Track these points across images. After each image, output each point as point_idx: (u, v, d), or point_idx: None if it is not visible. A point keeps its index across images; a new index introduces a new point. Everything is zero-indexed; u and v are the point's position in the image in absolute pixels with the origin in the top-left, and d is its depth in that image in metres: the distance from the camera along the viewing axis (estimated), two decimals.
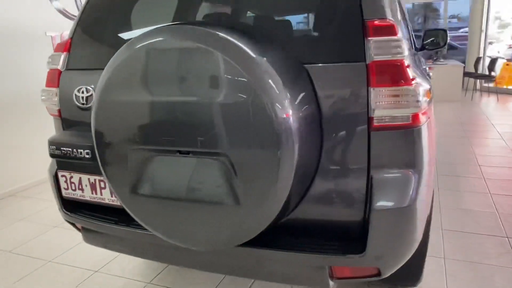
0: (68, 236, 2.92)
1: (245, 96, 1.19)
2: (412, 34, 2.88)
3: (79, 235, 2.00)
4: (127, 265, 2.52)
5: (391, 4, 1.43)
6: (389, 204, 1.35)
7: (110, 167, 1.44)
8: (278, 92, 1.20)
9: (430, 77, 2.28)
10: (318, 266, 1.42)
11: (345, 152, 1.40)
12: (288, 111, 1.21)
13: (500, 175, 3.87)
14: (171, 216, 1.41)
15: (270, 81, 1.19)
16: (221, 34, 1.23)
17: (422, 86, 1.37)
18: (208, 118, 1.24)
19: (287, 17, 1.54)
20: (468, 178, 3.83)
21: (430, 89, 1.56)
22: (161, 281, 2.34)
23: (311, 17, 1.50)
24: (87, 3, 1.81)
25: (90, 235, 1.84)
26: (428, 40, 3.66)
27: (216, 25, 1.33)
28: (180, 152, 1.33)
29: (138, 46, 1.28)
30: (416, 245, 1.48)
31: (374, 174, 1.37)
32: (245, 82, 1.18)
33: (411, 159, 1.38)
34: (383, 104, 1.31)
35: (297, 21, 1.50)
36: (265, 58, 1.23)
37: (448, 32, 3.69)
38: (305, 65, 1.37)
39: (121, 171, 1.42)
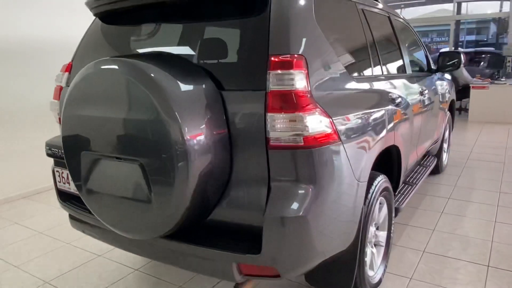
0: None
1: (153, 117, 1.50)
2: (405, 56, 2.97)
3: None
4: (126, 253, 2.93)
5: (301, 41, 1.64)
6: (281, 212, 1.55)
7: (70, 166, 1.84)
8: (182, 115, 1.48)
9: (397, 104, 2.39)
10: (226, 261, 1.66)
11: (251, 167, 1.63)
12: (189, 130, 1.49)
13: None
14: (109, 208, 1.76)
15: (177, 107, 1.49)
16: (141, 66, 1.55)
17: (317, 113, 1.56)
18: (127, 132, 1.58)
19: (209, 48, 1.81)
20: (480, 204, 3.71)
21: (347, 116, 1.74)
22: (148, 270, 2.71)
23: (229, 49, 1.75)
24: (84, 36, 2.26)
25: (73, 221, 2.26)
26: (443, 62, 3.66)
27: (143, 57, 1.66)
28: (115, 157, 1.67)
29: (82, 74, 1.67)
30: (316, 255, 1.66)
31: (272, 186, 1.59)
32: (152, 105, 1.49)
33: (306, 176, 1.58)
34: (277, 127, 1.53)
35: (217, 52, 1.76)
36: (178, 87, 1.53)
37: (460, 54, 3.65)
38: (221, 91, 1.64)
39: (77, 171, 1.80)
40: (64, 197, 2.29)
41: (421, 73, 3.61)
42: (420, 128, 3.11)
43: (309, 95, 1.57)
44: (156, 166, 1.54)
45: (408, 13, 14.98)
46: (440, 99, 3.81)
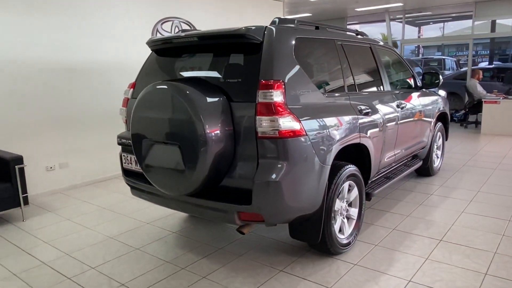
0: (143, 202, 4.49)
1: (187, 118, 2.49)
2: (383, 75, 3.84)
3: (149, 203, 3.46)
4: (167, 222, 3.95)
5: (281, 71, 2.59)
6: (264, 178, 2.49)
7: (136, 150, 2.88)
8: (205, 118, 2.47)
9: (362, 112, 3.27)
10: (230, 210, 2.62)
11: (247, 151, 2.58)
12: (209, 127, 2.47)
13: None
14: (160, 176, 2.78)
15: (202, 112, 2.48)
16: (180, 86, 2.57)
17: (289, 116, 2.50)
18: (171, 127, 2.60)
19: (223, 74, 2.80)
20: (456, 199, 4.44)
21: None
22: (182, 232, 3.72)
23: (236, 75, 2.72)
24: (144, 64, 3.34)
25: (133, 190, 3.30)
26: (426, 81, 4.48)
27: (182, 80, 2.69)
28: (163, 142, 2.69)
29: (145, 91, 2.72)
30: (289, 209, 2.59)
31: (259, 162, 2.54)
32: (187, 110, 2.49)
33: (282, 156, 2.51)
34: (262, 125, 2.48)
35: (229, 76, 2.76)
36: (203, 100, 2.53)
37: (439, 74, 4.45)
38: (230, 102, 2.62)
39: (140, 152, 2.85)
40: (127, 173, 3.35)
41: (403, 90, 4.43)
42: (396, 133, 3.94)
43: (284, 105, 2.52)
44: (188, 149, 2.54)
45: (454, 26, 15.85)
46: (424, 111, 4.60)
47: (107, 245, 3.51)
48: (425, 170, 5.19)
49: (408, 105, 4.21)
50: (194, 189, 2.62)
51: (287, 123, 2.50)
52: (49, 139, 5.06)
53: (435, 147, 5.28)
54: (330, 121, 2.85)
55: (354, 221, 3.35)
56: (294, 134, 2.54)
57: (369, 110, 3.38)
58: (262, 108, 2.49)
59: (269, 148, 2.52)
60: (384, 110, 3.69)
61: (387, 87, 3.96)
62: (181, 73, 3.07)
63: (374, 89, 3.80)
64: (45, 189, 5.05)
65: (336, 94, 3.13)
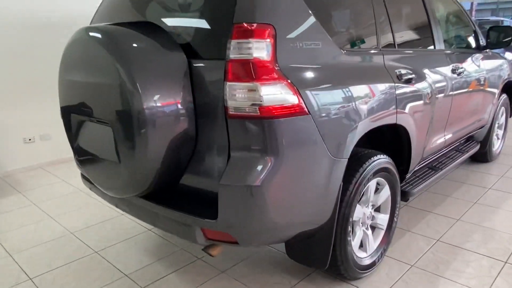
0: None
1: (117, 84, 1.59)
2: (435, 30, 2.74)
3: None
4: None
5: (271, 10, 1.61)
6: (235, 181, 1.58)
7: (66, 127, 2.04)
8: (145, 83, 1.56)
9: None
10: (191, 224, 1.74)
11: (214, 136, 1.67)
12: (152, 98, 1.56)
13: None
14: (92, 167, 1.93)
15: (140, 75, 1.56)
16: (110, 33, 1.65)
17: (278, 84, 1.54)
18: (99, 97, 1.70)
19: (184, 18, 1.82)
20: None
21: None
22: (159, 231, 2.91)
23: (202, 19, 1.75)
24: (100, 4, 2.41)
25: (83, 179, 2.48)
26: (493, 39, 3.33)
27: (121, 25, 1.75)
28: (92, 119, 1.82)
29: (70, 40, 1.83)
30: (275, 227, 1.67)
31: (232, 155, 1.62)
32: (118, 72, 1.58)
33: (266, 147, 1.57)
34: (235, 97, 1.54)
35: (191, 21, 1.78)
36: (143, 56, 1.60)
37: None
38: (191, 61, 1.68)
39: (70, 131, 2.00)
40: None
41: (460, 49, 3.29)
42: (450, 109, 2.87)
43: (271, 65, 1.55)
44: (121, 130, 1.65)
45: None
46: (487, 79, 3.45)
47: (62, 244, 2.77)
48: (481, 155, 4.08)
49: (467, 71, 3.09)
50: (134, 188, 1.76)
51: (276, 94, 1.55)
52: (28, 106, 4.34)
53: (496, 125, 4.11)
54: (350, 91, 1.87)
55: (383, 233, 2.40)
56: (289, 112, 1.59)
57: (413, 76, 2.34)
58: (235, 68, 1.55)
59: (246, 133, 1.59)
60: (435, 76, 2.62)
61: (440, 44, 2.86)
62: (132, 17, 2.13)
63: (421, 46, 2.71)
64: (23, 164, 4.40)
65: (364, 51, 2.11)
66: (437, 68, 2.70)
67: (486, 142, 3.94)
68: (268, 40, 1.56)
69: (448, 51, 2.98)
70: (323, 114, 1.72)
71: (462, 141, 3.65)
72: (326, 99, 1.75)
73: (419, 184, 2.72)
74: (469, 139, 3.78)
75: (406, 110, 2.28)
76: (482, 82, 3.36)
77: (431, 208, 3.17)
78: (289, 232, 1.78)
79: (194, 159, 1.76)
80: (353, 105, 1.86)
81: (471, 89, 3.18)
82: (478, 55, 3.43)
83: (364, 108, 1.92)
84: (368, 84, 1.98)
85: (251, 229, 1.65)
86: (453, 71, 2.87)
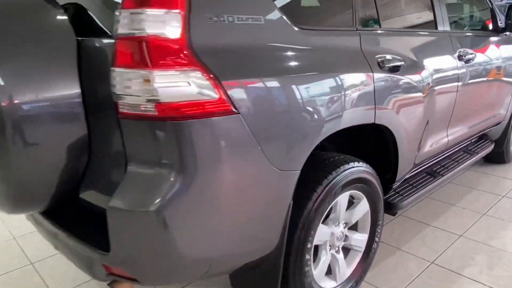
0: None
1: None
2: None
3: None
4: None
5: None
6: (126, 204, 1.17)
7: None
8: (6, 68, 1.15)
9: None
10: (89, 256, 1.34)
11: (112, 140, 1.26)
12: (16, 89, 1.16)
13: None
14: None
15: None
16: None
17: (186, 72, 1.11)
18: None
19: None
20: None
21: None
22: None
23: None
24: None
25: None
26: (509, 22, 2.80)
27: None
28: None
29: None
30: (185, 262, 1.25)
31: (128, 169, 1.20)
32: None
33: (171, 158, 1.15)
34: (126, 89, 1.12)
35: None
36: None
37: None
38: (80, 39, 1.26)
39: None
40: None
41: (472, 32, 2.76)
42: (454, 104, 2.37)
43: (176, 46, 1.12)
44: None
45: None
46: (505, 68, 2.91)
47: (2, 251, 2.45)
48: (497, 156, 3.54)
49: (479, 57, 2.56)
50: (17, 204, 1.36)
51: (181, 86, 1.12)
52: None
53: None
54: (302, 83, 1.41)
55: (359, 256, 1.96)
56: (203, 111, 1.16)
57: (401, 63, 1.86)
58: (124, 50, 1.12)
59: (144, 139, 1.18)
60: (433, 63, 2.13)
61: (444, 25, 2.34)
62: None
63: (417, 26, 2.22)
64: None
65: (331, 31, 1.64)
66: (437, 54, 2.21)
67: (502, 141, 3.39)
68: (174, 10, 1.12)
69: (455, 34, 2.46)
70: (260, 113, 1.28)
71: (472, 140, 3.12)
72: (267, 93, 1.31)
73: (411, 195, 2.25)
74: (482, 137, 3.24)
75: (390, 107, 1.80)
76: (498, 72, 2.82)
77: (431, 219, 2.69)
78: (215, 268, 1.37)
79: (90, 169, 1.36)
80: (307, 100, 1.41)
81: (483, 80, 2.66)
82: (495, 39, 2.88)
83: (322, 104, 1.47)
84: (330, 73, 1.52)
85: (152, 266, 1.24)
86: (460, 57, 2.36)
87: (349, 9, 1.71)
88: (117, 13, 1.12)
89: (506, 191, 3.11)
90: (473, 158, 2.90)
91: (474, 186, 3.22)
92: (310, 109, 1.42)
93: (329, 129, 1.51)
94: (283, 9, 1.42)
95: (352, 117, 1.61)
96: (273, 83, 1.32)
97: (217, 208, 1.25)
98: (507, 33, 2.98)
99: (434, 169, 2.60)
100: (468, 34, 2.67)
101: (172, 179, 1.15)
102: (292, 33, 1.44)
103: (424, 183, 2.41)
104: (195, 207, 1.20)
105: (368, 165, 1.82)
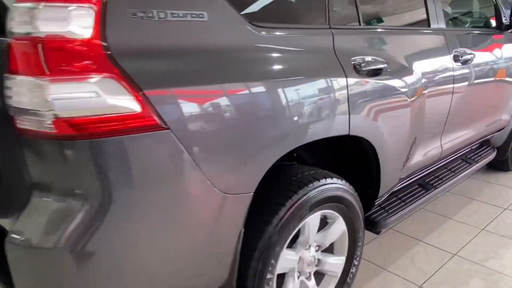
0: None
1: None
2: None
3: None
4: None
5: None
6: (30, 240, 0.97)
7: None
8: None
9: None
10: None
11: (16, 160, 1.05)
12: None
13: None
14: None
15: None
16: None
17: (92, 80, 0.91)
18: None
19: None
20: None
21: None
22: None
23: None
24: None
25: None
26: None
27: None
28: None
29: None
30: None
31: (33, 195, 1.00)
32: None
33: (77, 183, 0.96)
34: (20, 100, 0.92)
35: None
36: None
37: None
38: None
39: None
40: None
41: (472, 29, 2.51)
42: (448, 110, 2.14)
43: (85, 48, 0.91)
44: None
45: None
46: (508, 69, 2.65)
47: None
48: (501, 163, 3.28)
49: (479, 58, 2.32)
50: None
51: (86, 98, 0.91)
52: None
53: None
54: (256, 89, 1.21)
55: (335, 281, 1.74)
56: (121, 127, 0.95)
57: (383, 65, 1.63)
58: (18, 52, 0.92)
59: (48, 162, 0.98)
60: (424, 65, 1.90)
61: (438, 21, 2.10)
62: None
63: (405, 23, 1.99)
64: None
65: (297, 29, 1.42)
66: (429, 55, 1.97)
67: (506, 147, 3.14)
68: (84, 5, 0.91)
69: (451, 32, 2.22)
70: (198, 128, 1.08)
71: (473, 147, 2.87)
72: (207, 103, 1.10)
73: (398, 211, 2.03)
74: (483, 144, 2.99)
75: (369, 116, 1.58)
76: (501, 74, 2.57)
77: (423, 234, 2.47)
78: None
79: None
80: (259, 112, 1.20)
81: (484, 83, 2.41)
82: (498, 37, 2.62)
83: (279, 116, 1.25)
84: (291, 78, 1.30)
85: None
86: (456, 58, 2.12)
87: (321, 2, 1.49)
88: (12, 8, 0.92)
89: (509, 203, 2.86)
90: (472, 168, 2.66)
91: (474, 196, 2.98)
92: (263, 122, 1.21)
93: (288, 144, 1.29)
94: (235, 2, 1.20)
95: (319, 129, 1.39)
96: (214, 92, 1.11)
97: (142, 243, 1.05)
98: (510, 30, 2.71)
99: (427, 181, 2.37)
100: (467, 32, 2.42)
101: (82, 210, 0.95)
102: (245, 32, 1.23)
103: (414, 196, 2.18)
104: (113, 242, 1.00)
105: (344, 181, 1.61)
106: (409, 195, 2.18)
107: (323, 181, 1.50)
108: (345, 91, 1.46)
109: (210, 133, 1.10)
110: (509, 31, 2.72)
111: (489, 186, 3.14)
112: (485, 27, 2.75)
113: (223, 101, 1.12)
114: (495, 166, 3.37)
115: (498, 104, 2.67)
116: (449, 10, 2.62)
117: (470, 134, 2.48)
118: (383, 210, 2.01)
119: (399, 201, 2.12)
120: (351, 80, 1.49)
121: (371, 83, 1.58)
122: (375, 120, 1.62)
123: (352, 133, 1.52)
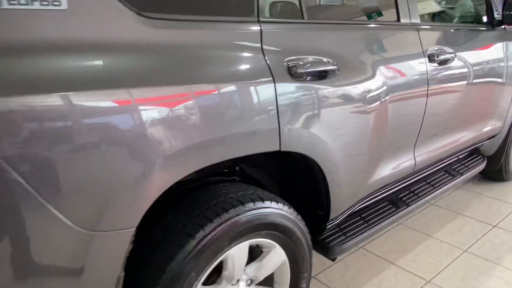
0: None
1: None
2: None
3: None
4: None
5: None
6: None
7: None
8: None
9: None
10: None
11: None
12: None
13: None
14: None
15: None
16: None
17: None
18: None
19: None
20: None
21: None
22: None
23: None
24: None
25: None
26: (507, 13, 2.25)
27: None
28: None
29: None
30: None
31: None
32: None
33: None
34: None
35: None
36: None
37: None
38: None
39: None
40: None
41: (455, 25, 2.22)
42: (423, 117, 1.87)
43: None
44: None
45: None
46: (501, 71, 2.35)
47: None
48: (495, 173, 2.98)
49: (462, 57, 2.03)
50: None
51: None
52: None
53: None
54: (132, 99, 0.95)
55: None
56: None
57: (331, 67, 1.37)
58: None
59: None
60: (388, 66, 1.63)
61: (409, 16, 1.81)
62: None
63: (366, 16, 1.71)
64: None
65: (209, 22, 1.16)
66: (396, 53, 1.70)
67: (499, 156, 2.83)
68: None
69: (427, 27, 1.94)
70: (44, 151, 0.83)
71: (460, 156, 2.58)
72: (59, 119, 0.85)
73: (358, 234, 1.76)
74: (473, 153, 2.70)
75: (308, 128, 1.32)
76: (491, 75, 2.27)
77: (396, 256, 2.20)
78: None
79: None
80: (141, 126, 0.95)
81: (468, 86, 2.12)
82: (488, 34, 2.33)
83: (173, 130, 1.00)
84: (193, 84, 1.05)
85: None
86: (432, 57, 1.84)
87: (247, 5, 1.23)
88: None
89: (499, 219, 2.56)
90: (456, 180, 2.37)
91: (462, 210, 2.69)
92: (146, 139, 0.96)
93: (183, 168, 1.04)
94: None
95: (233, 147, 1.14)
96: (72, 103, 0.86)
97: None
98: (504, 27, 2.41)
99: (400, 196, 2.10)
100: (450, 28, 2.13)
101: None
102: (127, 25, 0.97)
103: (381, 216, 1.91)
104: None
105: (281, 204, 1.35)
106: (375, 214, 1.91)
107: (249, 205, 1.25)
108: (272, 99, 1.20)
109: (64, 157, 0.85)
110: (502, 27, 2.41)
111: (479, 199, 2.85)
112: (477, 22, 2.45)
113: (80, 115, 0.87)
114: (489, 176, 3.07)
115: (486, 109, 2.37)
116: (434, 3, 2.33)
117: (452, 143, 2.19)
118: (341, 233, 1.75)
119: (362, 221, 1.85)
120: (282, 86, 1.22)
121: (312, 88, 1.31)
122: (318, 133, 1.36)
123: (284, 149, 1.27)
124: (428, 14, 2.23)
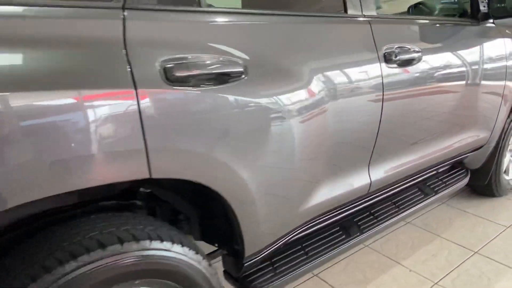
0: None
1: None
2: None
3: None
4: None
5: None
6: None
7: None
8: None
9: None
10: None
11: None
12: None
13: None
14: None
15: None
16: None
17: None
18: None
19: None
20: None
21: None
22: None
23: None
24: None
25: None
26: (496, 5, 1.91)
27: None
28: None
29: None
30: None
31: None
32: None
33: None
34: None
35: None
36: None
37: None
38: None
39: None
40: None
41: (427, 18, 1.89)
42: (376, 131, 1.55)
43: None
44: None
45: None
46: (485, 73, 2.00)
47: None
48: (483, 188, 2.64)
49: (432, 57, 1.70)
50: None
51: None
52: None
53: (508, 146, 2.61)
54: None
55: None
56: None
57: (237, 69, 1.07)
58: None
59: None
60: (325, 68, 1.31)
61: (360, 7, 1.49)
62: None
63: (296, 6, 1.40)
64: None
65: (44, 7, 0.86)
66: (336, 52, 1.38)
67: (487, 170, 2.48)
68: None
69: (385, 21, 1.61)
70: None
71: (439, 170, 2.25)
72: None
73: (294, 270, 1.46)
74: (455, 166, 2.36)
75: (196, 147, 1.02)
76: (471, 79, 1.93)
77: (354, 287, 1.89)
78: None
79: None
80: None
81: (441, 91, 1.79)
82: (470, 30, 1.98)
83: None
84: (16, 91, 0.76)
85: None
86: (388, 58, 1.51)
87: None
88: None
89: (483, 244, 2.23)
90: (430, 199, 2.04)
91: (440, 231, 2.36)
92: None
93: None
94: None
95: (67, 178, 0.84)
96: None
97: None
98: (491, 21, 2.05)
99: (356, 219, 1.78)
100: (419, 22, 1.79)
101: None
102: None
103: (326, 245, 1.60)
104: None
105: (171, 244, 1.06)
106: (319, 243, 1.60)
107: (113, 247, 0.96)
108: (133, 111, 0.90)
109: None
110: (490, 21, 2.06)
111: (463, 217, 2.51)
112: (460, 16, 2.11)
113: None
114: (478, 191, 2.73)
115: (465, 119, 2.03)
116: None
117: (421, 158, 1.86)
118: (271, 268, 1.45)
119: (302, 252, 1.55)
120: (149, 93, 0.93)
121: (204, 96, 1.01)
122: (217, 155, 1.05)
123: (156, 176, 0.97)
124: (399, 5, 1.90)
